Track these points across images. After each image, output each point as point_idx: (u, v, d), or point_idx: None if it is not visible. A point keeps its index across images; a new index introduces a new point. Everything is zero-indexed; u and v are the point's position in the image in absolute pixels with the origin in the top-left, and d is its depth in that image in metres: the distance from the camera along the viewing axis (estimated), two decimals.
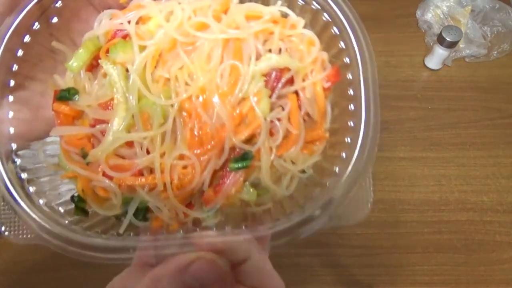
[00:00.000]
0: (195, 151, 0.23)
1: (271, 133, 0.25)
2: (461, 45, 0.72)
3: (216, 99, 0.23)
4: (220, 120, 0.24)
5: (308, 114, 0.26)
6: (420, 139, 0.65)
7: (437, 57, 0.70)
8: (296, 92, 0.25)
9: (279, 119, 0.25)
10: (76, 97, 0.25)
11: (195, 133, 0.24)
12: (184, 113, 0.24)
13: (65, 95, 0.25)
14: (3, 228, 0.23)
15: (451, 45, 0.67)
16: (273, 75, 0.25)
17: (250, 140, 0.24)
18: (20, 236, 0.23)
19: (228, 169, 0.24)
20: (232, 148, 0.24)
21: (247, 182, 0.24)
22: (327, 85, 0.26)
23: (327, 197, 0.23)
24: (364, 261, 0.55)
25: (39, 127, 0.26)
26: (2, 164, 0.23)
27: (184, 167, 0.24)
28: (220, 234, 0.23)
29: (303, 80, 0.25)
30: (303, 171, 0.25)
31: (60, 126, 0.25)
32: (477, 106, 0.68)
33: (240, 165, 0.24)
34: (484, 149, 0.64)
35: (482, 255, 0.56)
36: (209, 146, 0.23)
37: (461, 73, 0.72)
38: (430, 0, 0.76)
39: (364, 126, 0.26)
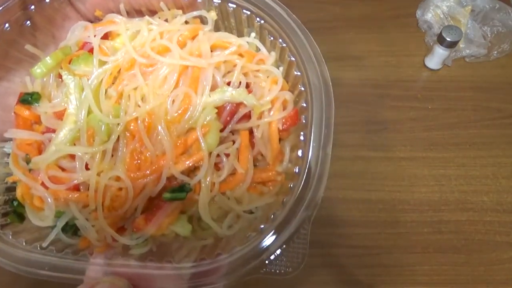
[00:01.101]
0: (132, 175, 0.22)
1: (217, 168, 0.24)
2: (461, 45, 0.72)
3: (162, 126, 0.22)
4: (161, 147, 0.22)
5: (262, 154, 0.25)
6: (420, 139, 0.65)
7: (437, 57, 0.70)
8: (251, 130, 0.24)
9: (227, 155, 0.23)
10: (38, 102, 0.25)
11: (135, 156, 0.23)
12: (128, 134, 0.23)
13: (27, 99, 0.25)
14: None
15: (451, 45, 0.67)
16: (228, 109, 0.24)
17: (192, 171, 0.23)
18: None
19: (162, 198, 0.22)
20: (172, 178, 0.23)
21: (184, 215, 0.23)
22: (284, 126, 0.24)
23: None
24: (364, 261, 0.55)
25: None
26: None
27: (119, 189, 0.22)
28: (141, 266, 0.21)
29: (259, 118, 0.24)
30: (251, 212, 0.24)
31: (17, 129, 0.25)
32: (477, 106, 0.68)
33: (175, 196, 0.22)
34: (484, 149, 0.64)
35: (482, 255, 0.56)
36: (147, 172, 0.22)
37: (461, 73, 0.72)
38: (430, 0, 0.76)
39: (304, 178, 0.25)
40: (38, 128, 0.26)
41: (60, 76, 0.26)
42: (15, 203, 0.25)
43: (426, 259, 0.55)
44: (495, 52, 0.73)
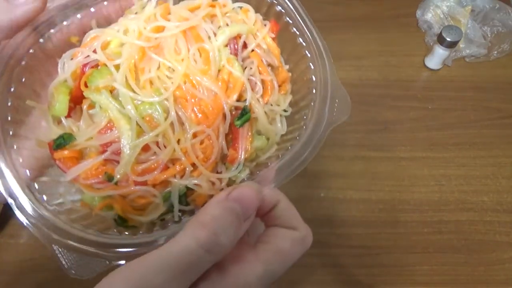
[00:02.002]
0: (205, 124, 0.26)
1: (252, 89, 0.28)
2: (461, 45, 0.72)
3: (200, 78, 0.26)
4: (211, 93, 0.26)
5: (269, 64, 0.30)
6: (420, 139, 0.65)
7: (437, 57, 0.70)
8: (253, 51, 0.30)
9: (252, 75, 0.28)
10: (74, 138, 0.25)
11: (196, 111, 0.25)
12: (180, 102, 0.26)
13: (61, 142, 0.25)
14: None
15: (451, 45, 0.67)
16: (232, 44, 0.28)
17: (239, 99, 0.28)
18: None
19: (236, 127, 0.27)
20: (230, 111, 0.27)
21: (254, 133, 0.28)
22: (273, 35, 0.31)
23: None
24: (364, 261, 0.55)
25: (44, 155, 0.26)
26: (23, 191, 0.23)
27: (201, 143, 0.26)
28: (252, 183, 0.24)
29: (255, 39, 0.30)
30: (285, 111, 0.30)
31: (67, 167, 0.25)
32: (477, 106, 0.68)
33: (243, 119, 0.27)
34: (484, 149, 0.64)
35: (482, 255, 0.56)
36: (214, 116, 0.26)
37: (461, 73, 0.72)
38: (430, 0, 0.76)
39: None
40: (89, 156, 0.26)
41: (68, 115, 0.27)
42: (118, 221, 0.25)
43: (426, 259, 0.55)
44: (495, 52, 0.73)
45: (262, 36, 0.30)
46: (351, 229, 0.57)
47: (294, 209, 0.25)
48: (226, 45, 0.28)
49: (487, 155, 0.64)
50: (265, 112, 0.28)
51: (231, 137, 0.27)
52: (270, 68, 0.30)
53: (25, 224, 0.22)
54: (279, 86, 0.30)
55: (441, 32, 0.67)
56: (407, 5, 0.79)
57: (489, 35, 0.75)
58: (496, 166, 0.63)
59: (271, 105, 0.29)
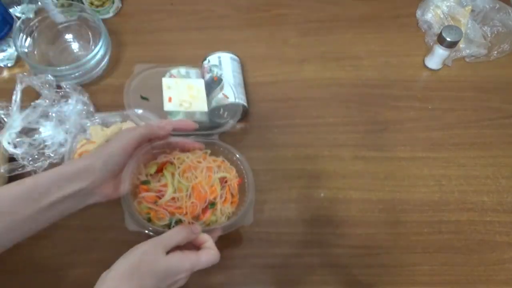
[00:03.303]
0: (197, 201, 0.49)
1: (222, 198, 0.51)
2: (461, 45, 0.72)
3: (204, 184, 0.50)
4: (205, 191, 0.50)
5: (232, 195, 0.53)
6: (420, 139, 0.65)
7: (437, 57, 0.70)
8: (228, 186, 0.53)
9: (222, 194, 0.52)
10: (150, 183, 0.50)
11: (196, 194, 0.49)
12: (194, 190, 0.50)
13: (147, 182, 0.50)
14: None
15: (451, 45, 0.67)
16: (222, 180, 0.53)
17: (214, 198, 0.50)
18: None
19: (208, 207, 0.50)
20: (209, 201, 0.50)
21: (213, 215, 0.51)
22: (236, 181, 0.53)
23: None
24: (364, 261, 0.55)
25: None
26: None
27: (194, 207, 0.49)
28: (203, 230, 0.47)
29: (230, 180, 0.53)
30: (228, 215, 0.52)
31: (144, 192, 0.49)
32: (477, 106, 0.68)
33: (211, 206, 0.50)
34: (484, 149, 0.64)
35: (482, 255, 0.56)
36: (201, 201, 0.50)
37: (461, 73, 0.72)
38: (430, 0, 0.76)
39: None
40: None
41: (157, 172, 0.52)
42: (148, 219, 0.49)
43: (426, 259, 0.55)
44: (495, 52, 0.73)
45: (233, 182, 0.53)
46: (351, 229, 0.57)
47: (213, 243, 0.45)
48: (220, 179, 0.52)
49: (487, 155, 0.64)
50: (221, 210, 0.51)
51: (204, 210, 0.50)
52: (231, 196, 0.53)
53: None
54: (232, 204, 0.53)
55: (441, 32, 0.67)
56: (407, 5, 0.79)
57: (489, 35, 0.75)
58: (496, 166, 0.63)
59: (224, 208, 0.51)
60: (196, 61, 0.68)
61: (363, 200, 0.60)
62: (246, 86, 0.68)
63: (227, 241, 0.56)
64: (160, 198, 0.49)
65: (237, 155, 0.55)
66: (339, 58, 0.73)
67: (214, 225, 0.49)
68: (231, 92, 0.62)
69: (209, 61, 0.66)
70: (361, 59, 0.73)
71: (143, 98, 0.60)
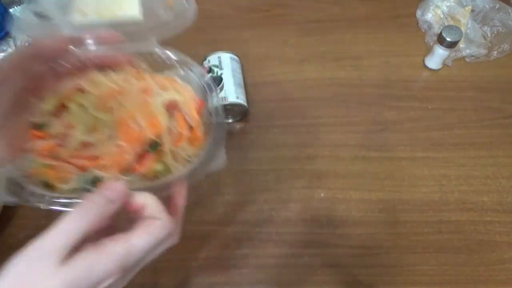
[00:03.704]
0: (125, 143, 0.35)
1: (172, 134, 0.36)
2: (461, 45, 0.72)
3: (139, 116, 0.35)
4: (140, 125, 0.35)
5: (191, 127, 0.38)
6: (420, 139, 0.65)
7: (437, 57, 0.70)
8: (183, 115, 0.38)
9: (174, 128, 0.37)
10: (46, 126, 0.35)
11: (127, 131, 0.35)
12: (121, 125, 0.35)
13: (42, 125, 0.35)
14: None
15: (451, 45, 0.67)
16: (169, 105, 0.38)
17: (158, 136, 0.36)
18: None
19: (148, 151, 0.35)
20: (149, 142, 0.35)
21: (159, 162, 0.36)
22: (196, 107, 0.39)
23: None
24: (364, 261, 0.55)
25: None
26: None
27: (121, 153, 0.34)
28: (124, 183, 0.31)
29: (184, 105, 0.38)
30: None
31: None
32: (477, 106, 0.68)
33: (154, 148, 0.35)
34: (484, 149, 0.64)
35: (482, 255, 0.56)
36: (137, 141, 0.35)
37: (461, 73, 0.72)
38: (430, 0, 0.76)
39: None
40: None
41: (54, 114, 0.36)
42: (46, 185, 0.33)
43: (426, 259, 0.55)
44: (495, 52, 0.73)
45: (190, 108, 0.38)
46: (351, 229, 0.57)
47: (159, 208, 0.30)
48: (166, 105, 0.37)
49: (487, 155, 0.64)
50: (173, 152, 0.36)
51: (143, 156, 0.35)
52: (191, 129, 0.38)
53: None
54: (192, 141, 0.37)
55: (441, 32, 0.67)
56: (407, 5, 0.79)
57: (489, 35, 0.75)
58: (496, 166, 0.63)
59: (177, 148, 0.37)
60: (196, 61, 0.68)
61: (363, 200, 0.59)
62: (246, 86, 0.68)
63: (227, 241, 0.56)
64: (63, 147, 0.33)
65: (194, 67, 0.40)
66: (339, 58, 0.73)
67: (163, 178, 0.34)
68: (231, 92, 0.62)
69: (209, 61, 0.66)
70: (361, 59, 0.73)
71: (37, 15, 0.39)
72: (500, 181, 0.61)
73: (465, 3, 0.75)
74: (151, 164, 0.34)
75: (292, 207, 0.59)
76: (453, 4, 0.74)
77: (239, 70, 0.67)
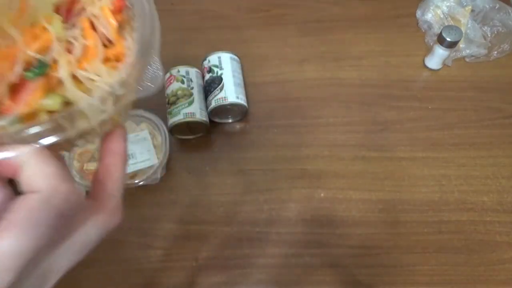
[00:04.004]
0: None
1: (69, 51, 0.25)
2: (461, 45, 0.72)
3: (6, 24, 0.23)
4: (11, 40, 0.23)
5: (109, 40, 0.27)
6: (420, 139, 0.65)
7: (437, 57, 0.70)
8: (92, 23, 0.26)
9: (75, 39, 0.25)
10: None
11: None
12: None
13: None
14: None
15: (451, 45, 0.67)
16: (63, 7, 0.26)
17: (43, 52, 0.24)
18: None
19: (25, 78, 0.23)
20: (29, 64, 0.23)
21: (51, 94, 0.24)
22: (112, 8, 0.27)
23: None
24: (364, 261, 0.55)
25: None
26: None
27: None
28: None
29: (91, 6, 0.26)
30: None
31: None
32: (477, 106, 0.68)
33: (36, 72, 0.23)
34: (484, 149, 0.64)
35: (482, 255, 0.56)
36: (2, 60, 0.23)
37: (461, 73, 0.72)
38: (430, 0, 0.76)
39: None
40: None
41: None
42: None
43: (426, 259, 0.55)
44: (495, 52, 0.73)
45: (100, 6, 0.26)
46: (351, 229, 0.57)
47: (40, 167, 0.20)
48: (58, 7, 0.26)
49: (487, 155, 0.64)
50: (79, 79, 0.24)
51: (21, 85, 0.24)
52: (108, 43, 0.27)
53: None
54: (109, 60, 0.26)
55: (441, 32, 0.67)
56: (407, 5, 0.79)
57: (489, 35, 0.75)
58: (496, 166, 0.63)
59: (88, 72, 0.25)
60: (196, 61, 0.68)
61: (363, 200, 0.59)
62: (246, 86, 0.68)
63: (227, 241, 0.56)
64: None
65: None
66: (339, 58, 0.73)
67: (64, 118, 0.23)
68: (231, 92, 0.62)
69: (209, 61, 0.66)
70: (361, 59, 0.73)
71: None
72: (500, 181, 0.61)
73: (465, 3, 0.75)
74: (34, 98, 0.23)
75: (292, 207, 0.59)
76: (453, 4, 0.74)
77: (239, 70, 0.67)
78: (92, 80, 0.24)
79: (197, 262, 0.55)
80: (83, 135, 0.25)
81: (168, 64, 0.67)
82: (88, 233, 0.22)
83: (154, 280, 0.54)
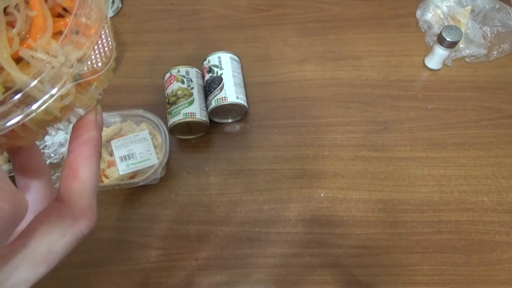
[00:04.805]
0: None
1: (11, 25, 0.20)
2: (461, 45, 0.72)
3: None
4: None
5: (65, 9, 0.22)
6: (420, 139, 0.65)
7: (437, 57, 0.70)
8: None
9: (15, 8, 0.20)
10: None
11: None
12: None
13: None
14: None
15: (451, 45, 0.67)
16: None
17: None
18: None
19: None
20: None
21: None
22: None
23: None
24: (364, 261, 0.55)
25: None
26: None
27: None
28: None
29: None
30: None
31: None
32: (477, 106, 0.68)
33: None
34: (484, 149, 0.64)
35: (482, 255, 0.56)
36: None
37: (461, 73, 0.72)
38: (430, 0, 0.76)
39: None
40: None
41: None
42: None
43: (426, 259, 0.55)
44: (495, 52, 0.73)
45: None
46: (351, 229, 0.57)
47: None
48: None
49: (487, 155, 0.64)
50: (23, 58, 0.20)
51: None
52: (64, 12, 0.22)
53: None
54: (62, 33, 0.21)
55: (441, 32, 0.67)
56: (407, 5, 0.79)
57: (489, 35, 0.75)
58: (496, 166, 0.63)
59: (35, 51, 0.20)
60: (196, 61, 0.68)
61: (363, 200, 0.60)
62: (246, 86, 0.68)
63: (227, 241, 0.56)
64: None
65: None
66: (339, 58, 0.73)
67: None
68: (231, 92, 0.62)
69: (209, 61, 0.66)
70: (361, 59, 0.73)
71: None
72: (500, 181, 0.61)
73: (465, 3, 0.75)
74: None
75: (292, 207, 0.59)
76: (453, 4, 0.74)
77: (239, 70, 0.67)
78: (41, 60, 0.20)
79: (197, 262, 0.55)
80: (48, 124, 0.21)
81: (168, 64, 0.67)
82: (53, 240, 0.19)
83: (154, 280, 0.54)
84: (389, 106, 0.68)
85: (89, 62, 0.22)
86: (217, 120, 0.66)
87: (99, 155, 0.22)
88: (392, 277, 0.54)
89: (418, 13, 0.77)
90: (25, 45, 0.20)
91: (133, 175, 0.59)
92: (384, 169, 0.62)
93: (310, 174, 0.62)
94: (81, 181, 0.21)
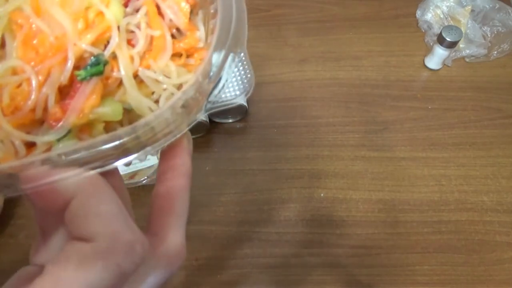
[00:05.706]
0: (31, 63, 0.18)
1: (132, 45, 0.20)
2: (461, 45, 0.72)
3: (54, 6, 0.18)
4: (60, 28, 0.18)
5: (178, 29, 0.21)
6: (420, 139, 0.65)
7: (437, 57, 0.70)
8: (158, 7, 0.21)
9: (137, 27, 0.20)
10: None
11: (29, 43, 0.18)
12: (15, 26, 0.19)
13: None
14: None
15: (451, 45, 0.67)
16: None
17: (106, 42, 0.19)
18: None
19: (77, 79, 0.18)
20: (81, 59, 0.19)
21: (111, 97, 0.19)
22: None
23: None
24: (364, 261, 0.55)
25: None
26: None
27: (19, 85, 0.18)
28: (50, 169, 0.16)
29: None
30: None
31: None
32: (477, 106, 0.68)
33: (90, 71, 0.18)
34: (484, 149, 0.64)
35: (482, 255, 0.56)
36: (48, 54, 0.18)
37: (461, 73, 0.72)
38: (430, 0, 0.76)
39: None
40: None
41: None
42: None
43: (426, 259, 0.55)
44: (495, 52, 0.73)
45: None
46: (351, 229, 0.57)
47: (98, 208, 0.15)
48: None
49: (487, 155, 0.64)
50: (140, 79, 0.20)
51: (71, 88, 0.19)
52: (177, 33, 0.22)
53: None
54: (178, 54, 0.21)
55: (441, 32, 0.67)
56: (407, 5, 0.79)
57: (489, 35, 0.75)
58: (496, 166, 0.63)
59: (155, 72, 0.20)
60: None
61: (363, 200, 0.59)
62: None
63: (227, 241, 0.56)
64: None
65: None
66: (339, 58, 0.73)
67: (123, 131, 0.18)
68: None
69: None
70: (361, 59, 0.73)
71: None
72: (499, 181, 0.61)
73: (465, 3, 0.75)
74: (88, 105, 0.18)
75: (292, 207, 0.59)
76: (453, 4, 0.74)
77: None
78: (158, 81, 0.19)
79: (197, 262, 0.55)
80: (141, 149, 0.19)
81: None
82: (149, 285, 0.17)
83: None
84: (389, 106, 0.68)
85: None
86: (217, 120, 0.66)
87: (190, 186, 0.20)
88: (392, 277, 0.54)
89: (418, 13, 0.77)
90: (144, 65, 0.19)
91: (133, 175, 0.59)
92: (384, 169, 0.62)
93: (310, 174, 0.62)
94: (177, 216, 0.19)
